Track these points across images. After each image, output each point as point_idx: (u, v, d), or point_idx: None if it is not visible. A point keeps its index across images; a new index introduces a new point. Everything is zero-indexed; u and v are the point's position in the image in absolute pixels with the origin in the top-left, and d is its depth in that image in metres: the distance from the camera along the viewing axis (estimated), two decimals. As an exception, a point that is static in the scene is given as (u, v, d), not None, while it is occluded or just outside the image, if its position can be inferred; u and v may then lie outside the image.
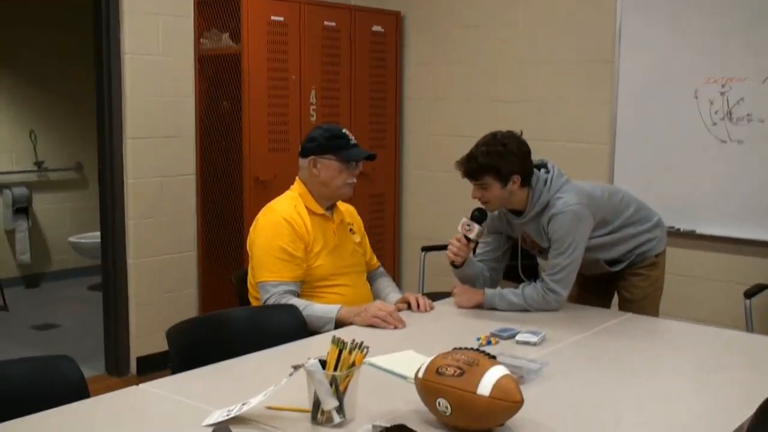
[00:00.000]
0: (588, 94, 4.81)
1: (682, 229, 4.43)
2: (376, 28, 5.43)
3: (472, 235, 3.09)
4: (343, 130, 3.09)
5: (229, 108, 4.79)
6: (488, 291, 3.09)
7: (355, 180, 3.10)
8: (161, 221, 4.76)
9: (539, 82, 5.02)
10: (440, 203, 5.51)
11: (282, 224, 2.99)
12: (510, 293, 3.07)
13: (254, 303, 3.10)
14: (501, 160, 2.95)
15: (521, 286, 3.10)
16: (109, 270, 4.71)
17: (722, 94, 4.29)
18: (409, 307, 3.07)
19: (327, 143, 3.04)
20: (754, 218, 4.25)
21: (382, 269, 3.41)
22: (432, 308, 3.09)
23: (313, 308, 2.91)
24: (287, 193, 3.15)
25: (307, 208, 3.07)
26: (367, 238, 3.35)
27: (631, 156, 4.64)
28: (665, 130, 4.50)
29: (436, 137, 5.54)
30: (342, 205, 3.24)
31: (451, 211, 5.32)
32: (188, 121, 4.84)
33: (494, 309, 3.06)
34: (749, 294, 3.90)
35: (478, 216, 3.10)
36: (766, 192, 4.21)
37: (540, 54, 5.00)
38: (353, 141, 3.08)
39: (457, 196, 5.26)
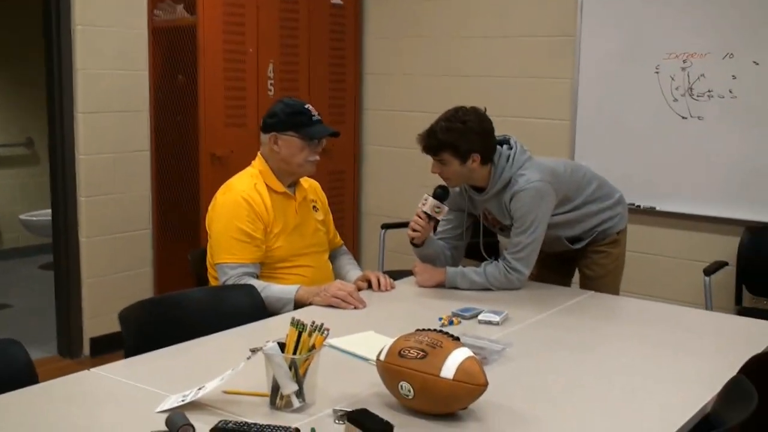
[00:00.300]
0: (549, 70, 4.77)
1: (642, 206, 4.43)
2: (335, 0, 5.33)
3: (427, 209, 3.03)
4: (306, 106, 2.99)
5: (185, 82, 4.67)
6: (450, 270, 3.05)
7: (317, 157, 3.02)
8: (115, 198, 4.63)
9: (500, 56, 4.97)
10: (400, 180, 5.46)
11: (241, 204, 2.91)
12: (472, 272, 3.03)
13: (213, 282, 3.03)
14: (460, 137, 2.90)
15: (483, 264, 3.07)
16: (60, 249, 4.58)
17: (683, 69, 4.28)
18: (370, 286, 3.02)
19: (288, 119, 2.95)
20: (714, 195, 4.26)
21: (344, 248, 3.35)
22: (393, 287, 3.04)
23: (271, 289, 2.84)
24: (248, 170, 3.06)
25: (267, 186, 2.99)
26: (330, 216, 3.28)
27: (592, 132, 4.62)
28: (626, 106, 4.49)
29: (396, 113, 5.48)
30: (306, 182, 3.16)
31: (411, 188, 5.29)
32: (142, 95, 4.70)
33: (456, 288, 3.02)
34: (709, 271, 3.91)
35: (441, 193, 3.05)
36: (726, 169, 4.22)
37: (501, 28, 4.95)
38: (316, 117, 2.99)
39: (417, 172, 5.22)
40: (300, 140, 2.95)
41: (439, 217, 3.09)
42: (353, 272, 3.19)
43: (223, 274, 2.88)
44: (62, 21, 4.37)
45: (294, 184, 3.08)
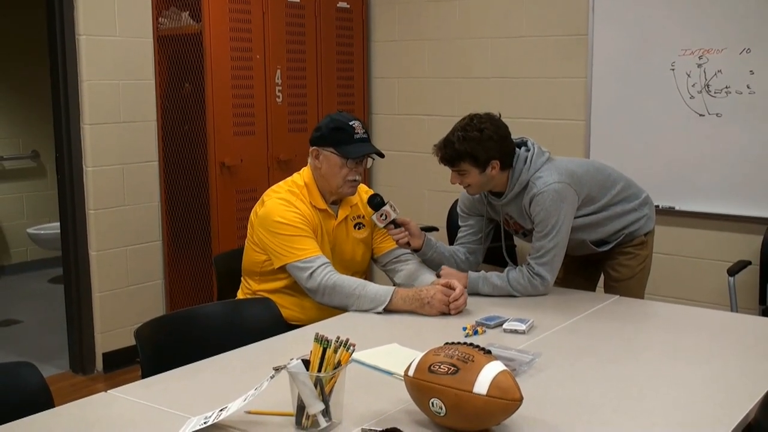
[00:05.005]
0: (562, 69, 4.69)
1: (660, 206, 4.34)
2: (342, 4, 5.26)
3: (388, 221, 2.95)
4: (351, 122, 2.86)
5: (192, 90, 4.61)
6: (472, 274, 2.98)
7: (358, 177, 2.89)
8: (124, 210, 4.57)
9: (511, 57, 4.89)
10: (412, 185, 5.38)
11: (290, 205, 2.83)
12: (494, 276, 2.95)
13: (246, 292, 2.97)
14: (478, 146, 2.84)
15: (506, 270, 2.99)
16: (70, 262, 4.52)
17: (699, 66, 4.20)
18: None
19: (329, 135, 2.86)
20: (734, 193, 4.17)
21: (402, 250, 3.11)
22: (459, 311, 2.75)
23: (367, 290, 2.73)
24: (294, 178, 2.96)
25: (310, 201, 2.89)
26: None
27: (608, 131, 4.54)
28: (642, 104, 4.41)
29: (406, 116, 5.40)
30: (357, 197, 3.03)
31: (423, 193, 5.23)
32: (149, 104, 4.64)
33: (477, 294, 2.93)
34: (732, 271, 3.82)
35: (379, 202, 2.97)
36: (746, 166, 4.13)
37: (511, 28, 4.87)
38: (359, 135, 2.86)
39: (429, 177, 5.16)
40: (338, 157, 2.84)
41: (394, 214, 2.96)
42: (427, 276, 2.98)
43: (301, 271, 2.75)
44: (66, 32, 4.31)
45: (338, 202, 2.98)
